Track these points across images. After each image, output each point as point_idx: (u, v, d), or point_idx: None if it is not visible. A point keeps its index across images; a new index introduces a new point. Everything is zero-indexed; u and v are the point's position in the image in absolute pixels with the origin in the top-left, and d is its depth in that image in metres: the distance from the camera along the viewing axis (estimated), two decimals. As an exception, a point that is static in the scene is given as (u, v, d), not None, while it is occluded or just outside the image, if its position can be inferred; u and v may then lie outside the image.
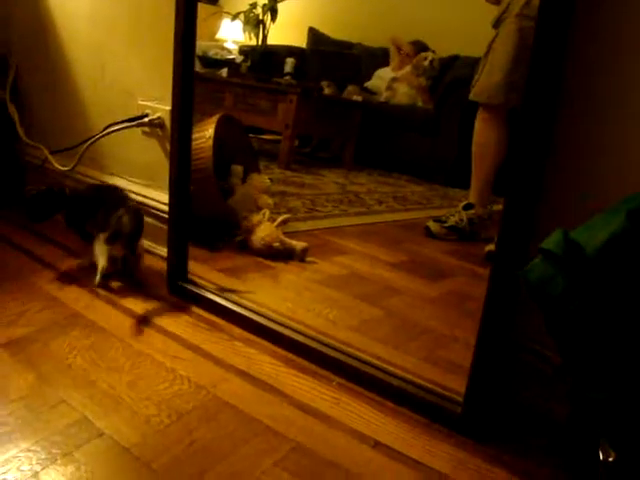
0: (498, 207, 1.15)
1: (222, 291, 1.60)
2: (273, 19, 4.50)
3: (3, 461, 0.94)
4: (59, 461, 0.96)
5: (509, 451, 1.15)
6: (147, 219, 1.88)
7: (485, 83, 2.28)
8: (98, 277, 1.60)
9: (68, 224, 1.73)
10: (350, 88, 4.50)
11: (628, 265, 0.81)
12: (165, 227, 1.69)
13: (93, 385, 1.17)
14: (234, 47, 4.83)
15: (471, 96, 2.35)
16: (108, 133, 1.89)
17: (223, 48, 4.70)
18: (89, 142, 1.93)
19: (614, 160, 1.12)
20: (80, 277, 1.66)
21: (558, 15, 1.01)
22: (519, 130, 1.07)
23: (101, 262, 1.61)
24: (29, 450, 0.98)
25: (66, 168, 2.01)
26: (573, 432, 1.09)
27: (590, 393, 0.86)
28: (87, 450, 1.00)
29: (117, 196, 1.70)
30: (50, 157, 2.06)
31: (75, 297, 1.54)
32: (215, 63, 4.18)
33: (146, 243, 1.89)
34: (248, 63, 4.40)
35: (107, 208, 1.61)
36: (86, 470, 0.95)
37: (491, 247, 2.09)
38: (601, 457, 0.91)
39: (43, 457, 0.97)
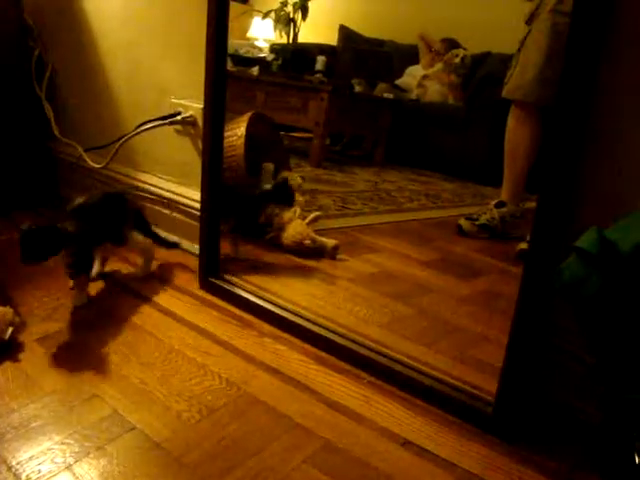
0: (530, 205, 1.13)
1: (253, 287, 1.60)
2: (304, 17, 4.50)
3: (37, 453, 0.96)
4: (92, 454, 0.97)
5: (540, 452, 1.14)
6: (179, 216, 1.90)
7: (518, 80, 2.26)
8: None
9: (75, 272, 1.49)
10: (381, 86, 4.48)
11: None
12: (197, 224, 1.70)
13: (125, 380, 1.19)
14: (265, 45, 4.84)
15: (504, 93, 2.33)
16: (141, 131, 1.91)
17: (254, 46, 4.71)
18: (122, 140, 1.95)
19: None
20: (113, 273, 1.69)
21: (594, 11, 1.00)
22: (552, 127, 1.06)
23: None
24: (62, 443, 0.99)
25: (99, 165, 2.04)
26: (608, 434, 1.08)
27: (626, 394, 0.84)
28: (119, 444, 1.01)
29: (119, 208, 1.62)
30: (84, 155, 2.09)
31: (107, 293, 1.56)
32: (246, 61, 4.20)
33: (177, 239, 1.91)
34: (279, 61, 4.40)
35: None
36: (118, 464, 0.96)
37: (523, 245, 2.07)
38: (637, 460, 0.90)
39: (76, 450, 0.98)
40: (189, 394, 1.17)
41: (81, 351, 1.27)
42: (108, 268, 1.70)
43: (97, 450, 0.99)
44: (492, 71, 3.89)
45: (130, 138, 1.94)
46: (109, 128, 2.08)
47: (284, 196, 2.05)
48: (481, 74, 4.17)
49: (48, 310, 1.43)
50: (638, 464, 0.89)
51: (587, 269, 0.82)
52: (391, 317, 1.60)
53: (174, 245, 1.82)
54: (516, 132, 2.36)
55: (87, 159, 2.08)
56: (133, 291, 1.60)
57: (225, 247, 1.71)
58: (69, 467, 0.94)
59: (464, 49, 4.49)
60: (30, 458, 0.95)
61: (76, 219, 1.45)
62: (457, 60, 4.41)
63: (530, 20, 2.15)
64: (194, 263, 1.72)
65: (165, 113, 1.86)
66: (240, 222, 1.89)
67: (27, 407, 1.07)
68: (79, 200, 1.51)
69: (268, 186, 2.13)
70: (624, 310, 0.81)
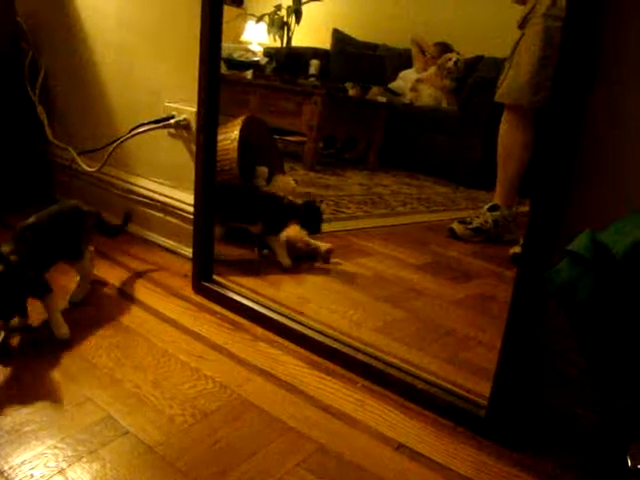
0: (523, 209, 1.14)
1: (246, 291, 1.60)
2: (297, 21, 4.50)
3: (30, 457, 0.96)
4: (85, 458, 0.97)
5: (534, 455, 1.14)
6: (172, 219, 1.90)
7: (511, 84, 2.27)
8: None
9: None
10: (374, 89, 4.48)
11: (657, 268, 0.80)
12: (190, 228, 1.70)
13: (118, 384, 1.18)
14: (259, 49, 4.84)
15: (497, 97, 2.33)
16: (134, 134, 1.91)
17: (248, 50, 4.71)
18: (116, 143, 1.95)
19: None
20: (106, 278, 1.68)
21: (586, 15, 1.00)
22: (545, 131, 1.06)
23: None
24: (55, 447, 0.99)
25: (93, 169, 2.03)
26: (600, 437, 1.08)
27: (618, 398, 0.84)
28: (112, 448, 1.01)
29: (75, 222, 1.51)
30: (77, 158, 2.09)
31: (101, 297, 1.56)
32: (240, 65, 4.20)
33: (171, 243, 1.91)
34: (273, 65, 4.40)
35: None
36: (111, 468, 0.96)
37: (516, 249, 2.08)
38: (629, 463, 0.90)
39: (69, 454, 0.98)
40: (182, 398, 1.17)
41: (74, 355, 1.27)
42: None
43: (90, 454, 0.98)
44: (485, 75, 3.91)
45: (123, 141, 1.94)
46: (103, 131, 2.08)
47: (312, 220, 1.95)
48: (474, 78, 4.19)
49: (41, 314, 1.42)
50: (630, 467, 0.89)
51: (580, 272, 0.82)
52: (384, 321, 1.60)
53: (122, 228, 1.74)
54: (509, 136, 2.37)
55: (80, 162, 2.07)
56: (126, 295, 1.59)
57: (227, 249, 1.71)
58: (62, 471, 0.94)
59: (457, 53, 4.50)
60: (22, 462, 0.94)
61: (20, 241, 1.32)
62: (450, 64, 4.42)
63: (523, 24, 2.16)
64: (188, 267, 1.71)
65: (158, 116, 1.85)
66: (267, 227, 1.91)
67: (19, 411, 1.07)
68: (31, 219, 1.39)
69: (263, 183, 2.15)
70: (617, 314, 0.81)
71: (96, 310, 1.49)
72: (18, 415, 1.06)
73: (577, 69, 1.02)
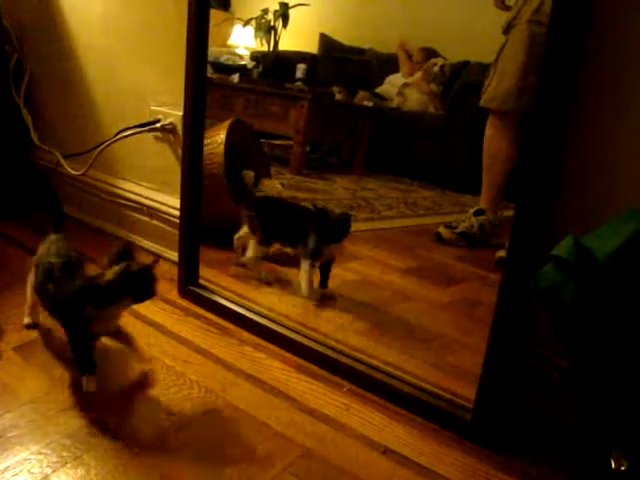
0: (509, 213, 1.14)
1: (233, 295, 1.60)
2: (284, 25, 4.50)
3: (14, 463, 0.95)
4: (69, 464, 0.97)
5: (519, 458, 1.15)
6: (158, 223, 1.89)
7: (496, 89, 2.27)
8: None
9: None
10: (361, 94, 4.49)
11: (639, 272, 0.81)
12: (176, 232, 1.70)
13: (103, 388, 1.18)
14: (246, 53, 4.84)
15: (481, 102, 2.34)
16: (120, 138, 1.90)
17: (235, 54, 4.70)
18: (101, 147, 1.94)
19: (628, 165, 1.11)
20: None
21: (570, 21, 1.01)
22: (530, 136, 1.07)
23: None
24: (39, 453, 0.98)
25: (78, 172, 2.02)
26: (584, 439, 1.09)
27: (601, 400, 0.85)
28: (97, 454, 1.00)
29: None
30: (63, 161, 2.08)
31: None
32: (226, 69, 4.19)
33: (157, 247, 1.91)
34: (259, 69, 4.40)
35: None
36: (96, 473, 0.95)
37: (502, 253, 2.08)
38: (613, 465, 0.91)
39: (54, 460, 0.97)
40: (168, 402, 1.17)
41: (59, 360, 1.26)
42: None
43: (75, 460, 0.98)
44: (471, 80, 3.92)
45: (109, 145, 1.93)
46: (88, 135, 2.07)
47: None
48: (460, 83, 4.20)
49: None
50: (614, 469, 0.90)
51: (564, 276, 0.83)
52: (370, 325, 1.60)
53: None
54: (494, 140, 2.38)
55: (66, 166, 2.06)
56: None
57: (205, 254, 1.70)
58: (46, 477, 0.93)
59: (443, 58, 4.52)
60: (6, 469, 0.94)
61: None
62: (436, 69, 4.43)
63: (507, 30, 2.17)
64: (173, 271, 1.71)
65: (145, 120, 1.85)
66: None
67: (3, 417, 1.06)
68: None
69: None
70: (600, 317, 0.82)
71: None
72: (2, 421, 1.05)
73: (561, 75, 1.03)
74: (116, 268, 1.15)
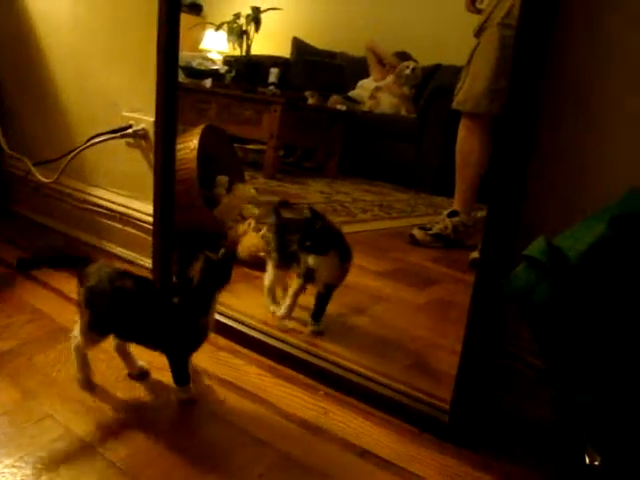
0: (483, 214, 1.15)
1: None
2: (257, 29, 4.49)
3: (-13, 477, 0.94)
4: (44, 477, 0.95)
5: (497, 457, 1.15)
6: (131, 230, 1.88)
7: (468, 92, 2.29)
8: None
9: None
10: (334, 97, 4.50)
11: (611, 271, 0.82)
12: (150, 238, 1.68)
13: (79, 399, 1.16)
14: (218, 57, 4.83)
15: (454, 105, 2.36)
16: (92, 144, 1.88)
17: (207, 59, 4.69)
18: (73, 154, 1.92)
19: (597, 167, 1.13)
20: (60, 289, 1.65)
21: (537, 25, 1.03)
22: (501, 138, 1.08)
23: None
24: (13, 466, 0.97)
25: (49, 180, 2.00)
26: (560, 437, 1.10)
27: (575, 398, 0.86)
28: (73, 465, 0.99)
29: None
30: (33, 169, 2.05)
31: (59, 310, 1.53)
32: (199, 74, 4.18)
33: (131, 254, 1.89)
34: (232, 73, 4.39)
35: None
36: (72, 485, 0.94)
37: (475, 254, 2.09)
38: (587, 461, 0.92)
39: (28, 473, 0.96)
40: (145, 412, 1.16)
41: (32, 371, 1.24)
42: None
43: (49, 472, 0.96)
44: (443, 83, 3.95)
45: (80, 152, 1.91)
46: (59, 141, 2.05)
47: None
48: (432, 86, 4.23)
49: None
50: (589, 464, 0.91)
51: (536, 277, 0.84)
52: (347, 328, 1.60)
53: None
54: (467, 143, 2.39)
55: (36, 173, 2.04)
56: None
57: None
58: (20, 490, 0.92)
59: (415, 61, 4.55)
60: (-21, 482, 0.92)
61: None
62: (408, 72, 4.46)
63: (479, 33, 2.19)
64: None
65: (116, 126, 1.84)
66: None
67: (-25, 430, 1.05)
68: None
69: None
70: (573, 316, 0.83)
71: (54, 323, 1.46)
72: (-26, 433, 1.03)
73: (530, 77, 1.04)
74: (198, 265, 1.14)
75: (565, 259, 0.82)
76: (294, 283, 1.59)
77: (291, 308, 1.58)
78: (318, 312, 1.56)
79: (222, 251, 1.17)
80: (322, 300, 1.56)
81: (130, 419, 1.13)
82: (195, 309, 1.16)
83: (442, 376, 1.31)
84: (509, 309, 1.12)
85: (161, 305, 1.16)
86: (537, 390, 1.19)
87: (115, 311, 1.16)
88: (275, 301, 1.65)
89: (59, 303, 1.58)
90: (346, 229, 2.70)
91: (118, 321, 1.18)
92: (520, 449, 1.19)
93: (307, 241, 1.50)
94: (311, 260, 1.50)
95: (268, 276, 1.66)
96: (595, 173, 1.13)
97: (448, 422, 1.18)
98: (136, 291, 1.16)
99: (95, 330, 1.18)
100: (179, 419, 1.15)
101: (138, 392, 1.22)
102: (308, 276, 1.54)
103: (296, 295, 1.58)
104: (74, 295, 1.59)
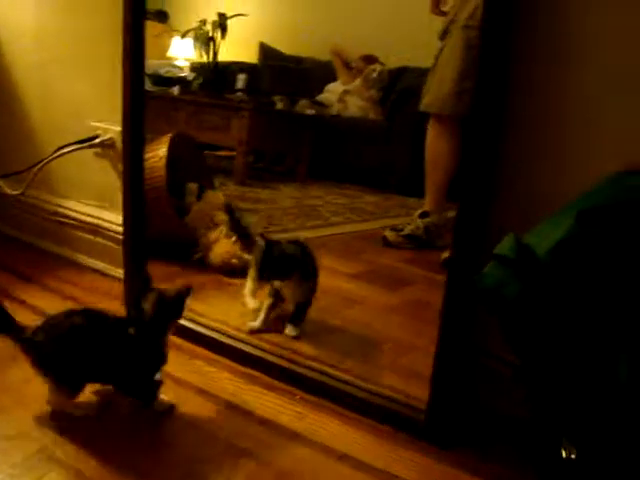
0: (453, 214, 1.16)
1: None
2: (223, 36, 4.48)
3: (-41, 497, 0.92)
4: (18, 493, 0.94)
5: (474, 455, 1.16)
6: (102, 241, 1.86)
7: (435, 94, 2.31)
8: None
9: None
10: (302, 102, 4.51)
11: (579, 266, 0.83)
12: (120, 248, 1.67)
13: (52, 415, 1.15)
14: (186, 64, 4.81)
15: (422, 107, 2.38)
16: (59, 155, 1.86)
17: (174, 66, 4.67)
18: (40, 165, 1.90)
19: (563, 163, 1.14)
20: (34, 304, 1.63)
21: (499, 28, 1.04)
22: (469, 138, 1.09)
23: None
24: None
25: (17, 192, 1.98)
26: (536, 433, 1.11)
27: (547, 394, 0.87)
28: (59, 474, 0.98)
29: None
30: (0, 181, 2.02)
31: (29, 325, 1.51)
32: (166, 81, 4.15)
33: (102, 265, 1.88)
34: (200, 80, 4.37)
35: None
36: (55, 496, 0.93)
37: (447, 254, 2.11)
38: (564, 455, 0.93)
39: (13, 484, 0.94)
40: (120, 421, 1.15)
41: (3, 387, 1.22)
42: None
43: (35, 482, 0.95)
44: (410, 85, 3.98)
45: (48, 163, 1.89)
46: (26, 153, 2.02)
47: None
48: (399, 88, 4.26)
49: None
50: (565, 458, 0.92)
51: (506, 274, 0.85)
52: (321, 331, 1.60)
53: None
54: (435, 144, 2.41)
55: (3, 186, 2.01)
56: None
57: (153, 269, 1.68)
58: (1, 504, 0.91)
59: (381, 64, 4.57)
60: (-49, 502, 0.91)
61: None
62: (375, 75, 4.49)
63: (444, 35, 2.21)
64: (120, 288, 1.68)
65: (84, 136, 1.82)
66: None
67: (-54, 449, 1.03)
68: None
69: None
70: (543, 312, 0.84)
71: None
72: (-55, 452, 1.02)
73: (495, 77, 1.06)
74: (151, 299, 1.16)
75: (534, 256, 0.83)
76: (266, 299, 1.61)
77: (265, 322, 1.59)
78: (296, 317, 1.58)
79: (176, 288, 1.20)
80: (299, 309, 1.58)
81: (105, 431, 1.12)
82: (150, 338, 1.16)
83: (418, 376, 1.31)
84: (482, 307, 1.13)
85: (118, 337, 1.15)
86: (513, 387, 1.20)
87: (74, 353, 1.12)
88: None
89: (30, 318, 1.55)
90: (318, 233, 2.73)
91: (92, 364, 1.14)
92: (498, 446, 1.20)
93: (265, 272, 1.55)
94: (277, 283, 1.56)
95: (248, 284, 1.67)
96: (563, 171, 1.14)
97: (425, 422, 1.19)
98: (89, 326, 1.14)
99: (65, 384, 1.14)
100: (155, 430, 1.14)
101: (114, 405, 1.21)
102: (277, 296, 1.59)
103: (269, 310, 1.60)
104: (45, 308, 1.59)
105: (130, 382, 1.17)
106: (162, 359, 1.19)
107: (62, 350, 1.11)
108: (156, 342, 1.18)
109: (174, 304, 1.19)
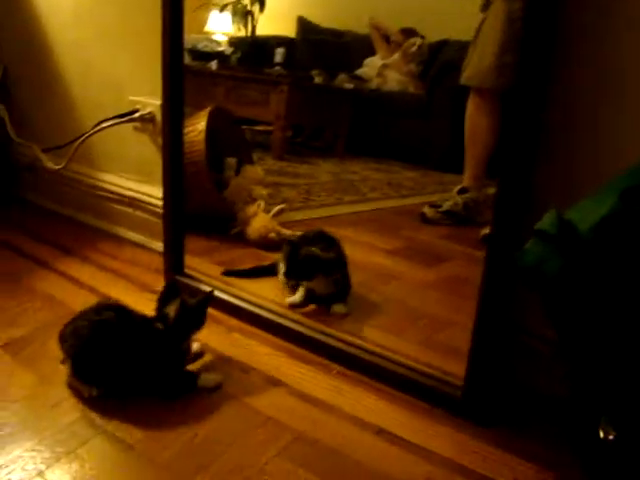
0: (493, 190, 1.15)
1: (219, 283, 1.59)
2: (261, 9, 4.46)
3: (7, 461, 0.95)
4: (63, 459, 0.96)
5: (510, 433, 1.16)
6: (141, 214, 1.88)
7: (476, 67, 2.27)
8: None
9: None
10: (341, 76, 4.47)
11: (622, 244, 0.81)
12: (160, 222, 1.69)
13: (94, 382, 1.17)
14: (223, 39, 4.80)
15: (462, 80, 2.34)
16: (99, 130, 1.88)
17: (212, 40, 4.66)
18: (80, 140, 1.93)
19: (609, 139, 1.12)
20: (74, 276, 1.66)
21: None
22: (511, 112, 1.07)
23: None
24: (33, 450, 0.98)
25: (58, 167, 2.01)
26: (574, 412, 1.10)
27: (588, 372, 0.86)
28: (91, 447, 1.00)
29: None
30: (42, 156, 2.06)
31: (73, 295, 1.54)
32: (204, 56, 4.16)
33: (142, 238, 1.90)
34: (238, 54, 4.37)
35: None
36: (90, 467, 0.95)
37: (486, 230, 2.09)
38: (601, 435, 0.92)
39: (47, 456, 0.97)
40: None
41: (47, 356, 1.25)
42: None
43: (68, 455, 0.98)
44: (450, 59, 3.91)
45: (88, 137, 1.91)
46: (67, 128, 2.05)
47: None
48: (440, 62, 4.19)
49: (12, 315, 1.41)
50: (603, 438, 0.91)
51: (548, 250, 0.83)
52: (358, 306, 1.60)
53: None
54: (475, 118, 2.38)
55: (45, 160, 2.04)
56: (98, 292, 1.57)
57: (191, 243, 1.69)
58: (40, 473, 0.93)
59: (421, 37, 4.50)
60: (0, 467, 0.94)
61: None
62: (414, 48, 4.42)
63: (485, 7, 2.16)
64: (159, 261, 1.70)
65: (123, 111, 1.83)
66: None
67: (-6, 415, 1.06)
68: None
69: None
70: (585, 289, 0.83)
71: (67, 309, 1.47)
72: (-7, 419, 1.05)
73: (540, 50, 1.03)
74: (174, 306, 1.19)
75: (576, 232, 0.82)
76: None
77: (303, 297, 1.58)
78: (337, 298, 1.57)
79: (198, 297, 1.23)
80: (335, 295, 1.58)
81: (146, 402, 1.14)
82: (171, 343, 1.19)
83: (455, 352, 1.30)
84: (522, 284, 1.11)
85: (146, 331, 1.17)
86: (553, 365, 1.19)
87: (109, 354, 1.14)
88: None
89: (71, 289, 1.59)
90: (355, 208, 2.73)
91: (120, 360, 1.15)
92: (535, 424, 1.20)
93: (291, 275, 1.59)
94: (305, 283, 1.58)
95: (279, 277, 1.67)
96: (606, 146, 1.12)
97: (462, 398, 1.18)
98: (117, 322, 1.16)
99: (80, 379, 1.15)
100: (194, 402, 1.16)
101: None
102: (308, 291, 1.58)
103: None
104: (86, 280, 1.62)
105: (154, 379, 1.18)
106: (183, 359, 1.22)
107: (86, 347, 1.13)
108: (176, 347, 1.20)
109: (196, 312, 1.22)
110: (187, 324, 1.21)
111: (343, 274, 1.61)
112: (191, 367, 1.26)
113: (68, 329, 1.16)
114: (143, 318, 1.20)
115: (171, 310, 1.19)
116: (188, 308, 1.19)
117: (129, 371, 1.14)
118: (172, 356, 1.19)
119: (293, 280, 1.60)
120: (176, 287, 1.26)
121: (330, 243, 1.63)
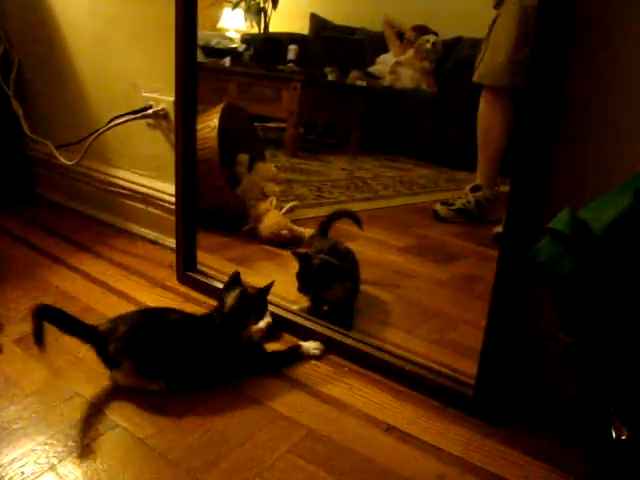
0: (505, 188, 1.14)
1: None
2: (274, 6, 4.46)
3: (20, 455, 0.95)
4: (75, 453, 0.97)
5: (522, 432, 1.15)
6: (154, 211, 1.89)
7: (489, 64, 2.26)
8: None
9: None
10: (354, 73, 4.47)
11: (636, 243, 0.81)
12: (173, 218, 1.69)
13: (106, 378, 1.18)
14: (236, 36, 4.81)
15: (475, 78, 2.33)
16: (112, 126, 1.89)
17: (225, 37, 4.67)
18: (94, 136, 1.93)
19: (625, 138, 1.11)
20: (86, 271, 1.67)
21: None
22: (524, 110, 1.06)
23: None
24: (45, 443, 0.99)
25: (72, 162, 2.02)
26: (586, 411, 1.09)
27: (601, 372, 0.85)
28: (103, 442, 1.01)
29: None
30: (55, 152, 2.07)
31: (85, 291, 1.55)
32: (217, 52, 4.16)
33: (154, 234, 1.91)
34: (251, 51, 4.37)
35: None
36: (102, 462, 0.96)
37: (499, 229, 2.08)
38: (614, 435, 0.91)
39: (59, 450, 0.97)
40: (171, 391, 1.17)
41: (60, 351, 1.26)
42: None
43: (80, 449, 0.98)
44: (464, 56, 3.90)
45: (102, 134, 1.92)
46: (80, 124, 2.06)
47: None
48: (453, 59, 4.18)
49: (24, 311, 1.41)
50: (615, 438, 0.91)
51: (561, 250, 0.83)
52: (370, 304, 1.60)
53: None
54: (488, 116, 2.37)
55: (58, 156, 2.05)
56: (111, 287, 1.58)
57: (203, 239, 1.70)
58: (53, 467, 0.94)
59: (435, 35, 4.49)
60: (12, 460, 0.94)
61: None
62: (428, 46, 4.41)
63: (498, 4, 2.15)
64: (171, 257, 1.71)
65: (136, 107, 1.84)
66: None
67: (8, 409, 1.06)
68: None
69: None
70: (599, 289, 0.82)
71: (80, 304, 1.48)
72: (6, 413, 1.05)
73: (554, 48, 1.02)
74: (234, 294, 1.26)
75: (590, 231, 0.81)
76: None
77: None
78: (344, 321, 1.48)
79: (259, 287, 1.30)
80: (337, 308, 1.53)
81: (156, 398, 1.14)
82: (229, 331, 1.24)
83: (467, 351, 1.30)
84: (535, 283, 1.11)
85: (206, 326, 1.24)
86: (565, 365, 1.19)
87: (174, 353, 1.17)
88: None
89: (84, 284, 1.60)
90: (368, 205, 2.72)
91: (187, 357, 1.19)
92: (546, 424, 1.19)
93: (306, 287, 1.52)
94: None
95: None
96: (620, 145, 1.11)
97: (473, 397, 1.18)
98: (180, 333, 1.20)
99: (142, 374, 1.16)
100: (206, 399, 1.16)
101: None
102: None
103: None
104: (99, 276, 1.63)
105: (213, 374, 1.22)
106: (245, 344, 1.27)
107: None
108: (236, 335, 1.24)
109: (256, 300, 1.29)
110: (246, 312, 1.26)
111: (354, 281, 1.58)
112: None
113: (119, 332, 1.15)
114: (202, 315, 1.28)
115: (230, 299, 1.25)
116: (247, 297, 1.26)
117: (193, 364, 1.19)
118: (231, 344, 1.24)
119: (310, 294, 1.54)
120: (239, 277, 1.31)
121: (343, 257, 1.58)
